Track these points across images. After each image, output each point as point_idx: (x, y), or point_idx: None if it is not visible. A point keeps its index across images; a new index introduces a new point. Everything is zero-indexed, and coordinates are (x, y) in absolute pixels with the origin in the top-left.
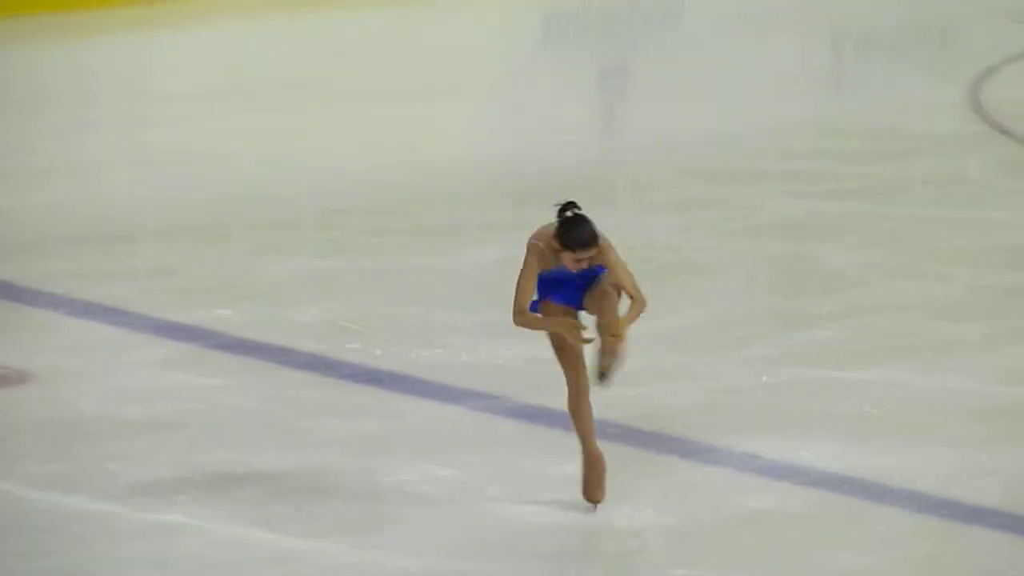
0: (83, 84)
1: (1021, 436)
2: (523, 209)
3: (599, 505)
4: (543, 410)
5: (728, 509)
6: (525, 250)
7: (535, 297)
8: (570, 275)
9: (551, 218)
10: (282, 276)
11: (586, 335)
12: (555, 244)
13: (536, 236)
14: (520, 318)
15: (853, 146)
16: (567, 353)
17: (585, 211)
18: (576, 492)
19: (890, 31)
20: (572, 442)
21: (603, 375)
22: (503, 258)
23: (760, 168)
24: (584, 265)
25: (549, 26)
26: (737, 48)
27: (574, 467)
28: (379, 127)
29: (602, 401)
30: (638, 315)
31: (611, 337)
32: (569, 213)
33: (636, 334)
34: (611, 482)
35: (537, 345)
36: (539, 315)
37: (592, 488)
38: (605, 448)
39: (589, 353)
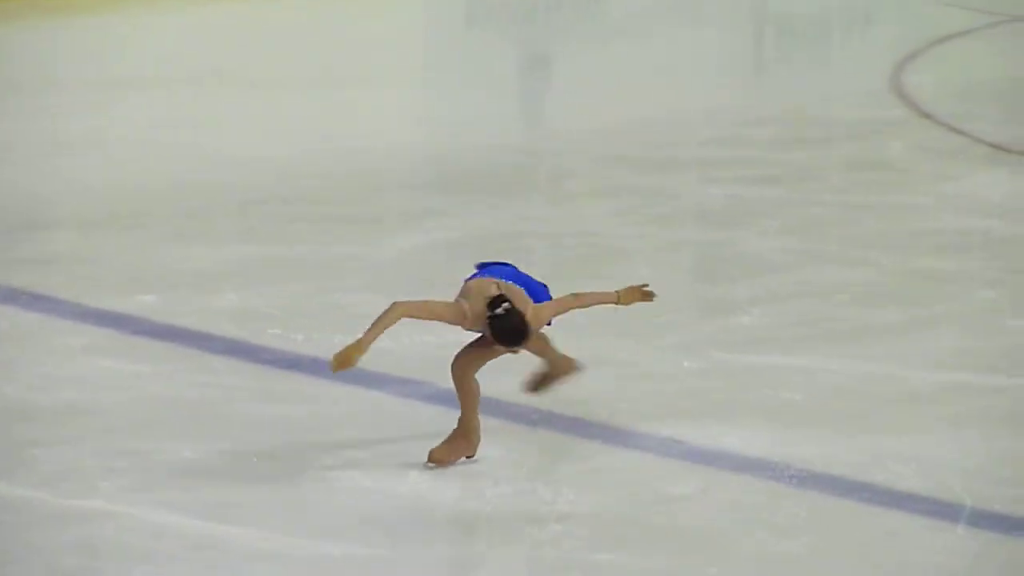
0: (1, 70)
1: (942, 421)
2: (443, 197)
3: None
4: None
5: (651, 494)
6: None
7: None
8: None
9: (471, 212)
10: (203, 263)
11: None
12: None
13: (464, 294)
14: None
15: (773, 132)
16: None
17: (506, 199)
18: (497, 477)
19: (812, 17)
20: (495, 427)
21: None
22: (423, 245)
23: (680, 155)
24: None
25: (471, 13)
26: (658, 35)
27: (496, 452)
28: (298, 115)
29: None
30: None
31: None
32: (500, 310)
33: (557, 322)
34: (533, 467)
35: (459, 331)
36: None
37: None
38: (527, 434)
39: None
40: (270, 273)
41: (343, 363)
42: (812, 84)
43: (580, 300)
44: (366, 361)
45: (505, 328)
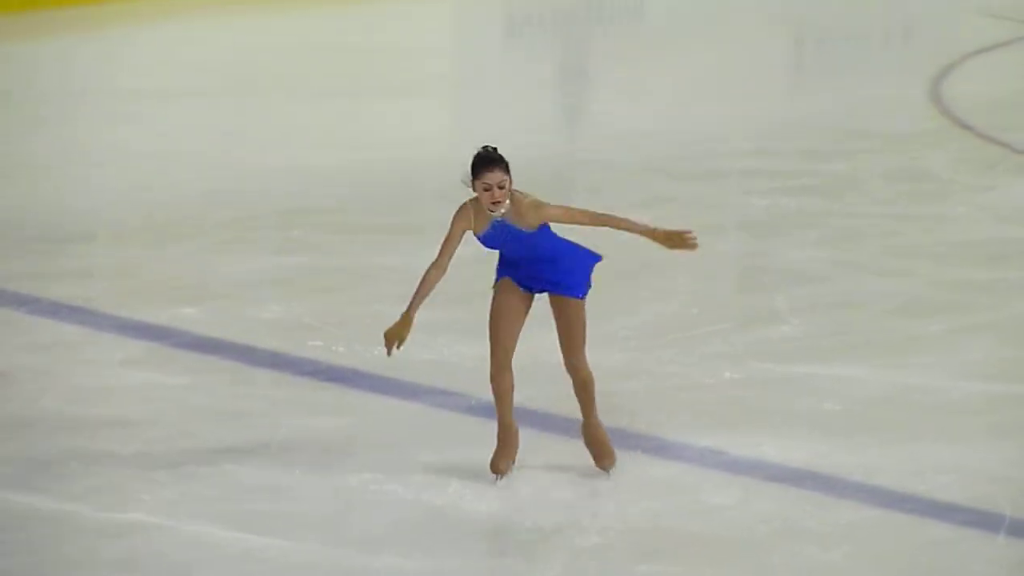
0: (39, 82)
1: (982, 431)
2: None
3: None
4: None
5: (692, 505)
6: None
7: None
8: (513, 245)
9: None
10: (243, 274)
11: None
12: (473, 189)
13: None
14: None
15: (812, 143)
16: (504, 321)
17: None
18: (537, 488)
19: (852, 28)
20: (533, 439)
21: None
22: (464, 255)
23: (719, 165)
24: (499, 197)
25: (511, 24)
26: (697, 46)
27: (536, 463)
28: (340, 125)
29: (567, 400)
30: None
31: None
32: (481, 149)
33: (598, 332)
34: (573, 478)
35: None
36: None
37: (497, 459)
38: (569, 446)
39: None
40: (310, 284)
41: (393, 340)
42: (851, 95)
43: (599, 219)
44: (407, 373)
45: (479, 154)
